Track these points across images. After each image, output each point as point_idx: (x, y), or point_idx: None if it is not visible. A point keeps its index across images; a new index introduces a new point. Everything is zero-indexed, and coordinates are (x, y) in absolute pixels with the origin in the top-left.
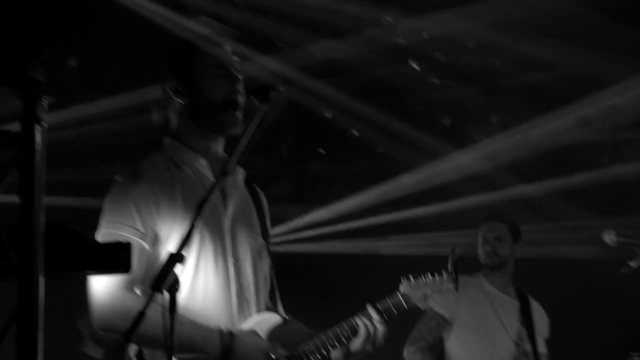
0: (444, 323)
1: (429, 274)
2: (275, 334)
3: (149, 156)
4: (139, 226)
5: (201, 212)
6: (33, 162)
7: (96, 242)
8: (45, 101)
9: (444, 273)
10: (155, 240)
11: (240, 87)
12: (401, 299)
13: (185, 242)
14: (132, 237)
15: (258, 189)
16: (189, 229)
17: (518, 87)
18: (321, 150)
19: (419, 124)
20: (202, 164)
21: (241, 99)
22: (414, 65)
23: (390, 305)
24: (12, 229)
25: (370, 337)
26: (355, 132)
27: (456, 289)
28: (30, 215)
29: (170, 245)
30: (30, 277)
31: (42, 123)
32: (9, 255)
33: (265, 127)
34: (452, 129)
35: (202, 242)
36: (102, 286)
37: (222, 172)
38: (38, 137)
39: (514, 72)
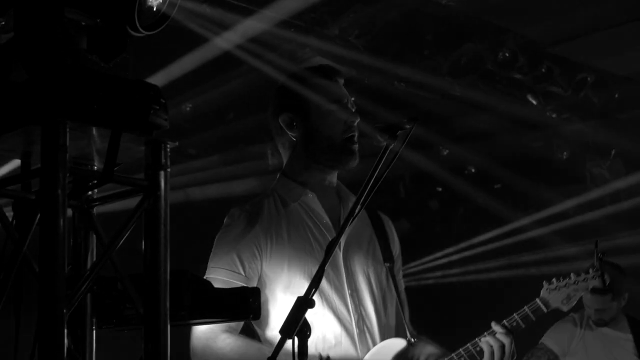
0: (554, 359)
1: (573, 274)
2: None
3: (260, 195)
4: (240, 270)
5: (331, 254)
6: (159, 209)
7: (224, 289)
8: (169, 147)
9: (590, 270)
10: (262, 283)
11: (357, 122)
12: (541, 304)
13: (314, 286)
14: (234, 280)
15: (383, 216)
16: (318, 274)
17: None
18: (439, 188)
19: (536, 159)
20: (311, 198)
21: (357, 134)
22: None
23: (529, 312)
24: (137, 278)
25: (496, 356)
26: (472, 169)
27: (604, 285)
28: (156, 262)
29: (276, 284)
30: (156, 326)
31: (167, 169)
32: (135, 303)
33: (390, 165)
34: (570, 162)
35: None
36: (202, 328)
37: (349, 215)
38: (163, 183)
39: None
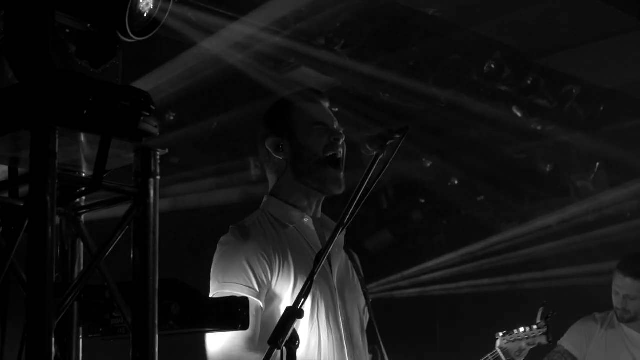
0: None
1: (522, 328)
2: None
3: (251, 215)
4: (254, 284)
5: (320, 265)
6: (148, 217)
7: (212, 299)
8: (159, 154)
9: (535, 327)
10: (269, 299)
11: (342, 142)
12: (501, 354)
13: (303, 297)
14: (249, 296)
15: (353, 253)
16: (307, 284)
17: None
18: (421, 200)
19: (520, 171)
20: (306, 223)
21: (343, 154)
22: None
23: None
24: (126, 286)
25: None
26: (455, 181)
27: (549, 341)
28: (145, 271)
29: (283, 304)
30: (144, 335)
31: (157, 177)
32: (123, 312)
33: (380, 176)
34: (554, 175)
35: (314, 299)
36: (222, 346)
37: (339, 225)
38: (152, 191)
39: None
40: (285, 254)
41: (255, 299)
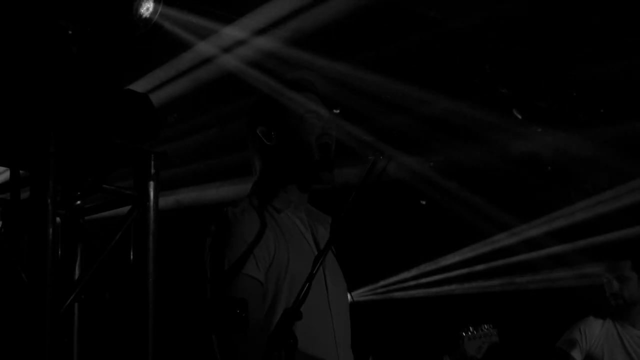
0: None
1: (483, 327)
2: None
3: (242, 200)
4: (259, 265)
5: (319, 266)
6: (147, 219)
7: (212, 299)
8: (159, 157)
9: (488, 326)
10: (267, 278)
11: (333, 131)
12: (467, 350)
13: (301, 298)
14: (256, 277)
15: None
16: (305, 286)
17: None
18: (422, 201)
19: (520, 173)
20: (297, 209)
21: (334, 143)
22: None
23: (458, 357)
24: (126, 286)
25: None
26: (455, 182)
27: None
28: (145, 272)
29: (278, 284)
30: (144, 335)
31: (156, 179)
32: (123, 313)
33: (379, 178)
34: (554, 177)
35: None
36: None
37: (339, 225)
38: (152, 194)
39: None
40: (281, 236)
41: (260, 282)
